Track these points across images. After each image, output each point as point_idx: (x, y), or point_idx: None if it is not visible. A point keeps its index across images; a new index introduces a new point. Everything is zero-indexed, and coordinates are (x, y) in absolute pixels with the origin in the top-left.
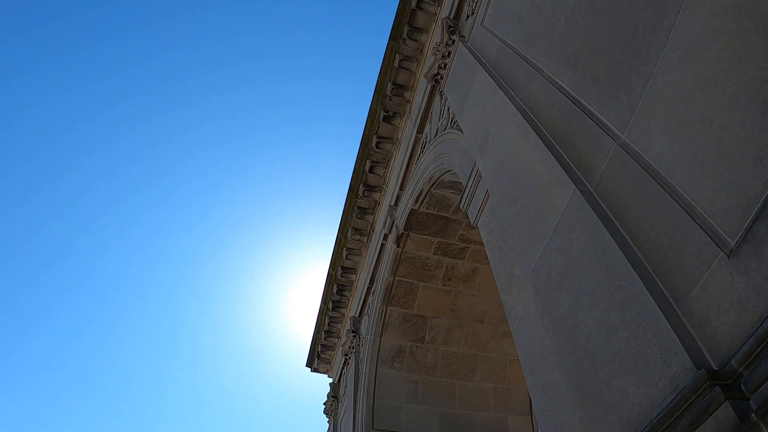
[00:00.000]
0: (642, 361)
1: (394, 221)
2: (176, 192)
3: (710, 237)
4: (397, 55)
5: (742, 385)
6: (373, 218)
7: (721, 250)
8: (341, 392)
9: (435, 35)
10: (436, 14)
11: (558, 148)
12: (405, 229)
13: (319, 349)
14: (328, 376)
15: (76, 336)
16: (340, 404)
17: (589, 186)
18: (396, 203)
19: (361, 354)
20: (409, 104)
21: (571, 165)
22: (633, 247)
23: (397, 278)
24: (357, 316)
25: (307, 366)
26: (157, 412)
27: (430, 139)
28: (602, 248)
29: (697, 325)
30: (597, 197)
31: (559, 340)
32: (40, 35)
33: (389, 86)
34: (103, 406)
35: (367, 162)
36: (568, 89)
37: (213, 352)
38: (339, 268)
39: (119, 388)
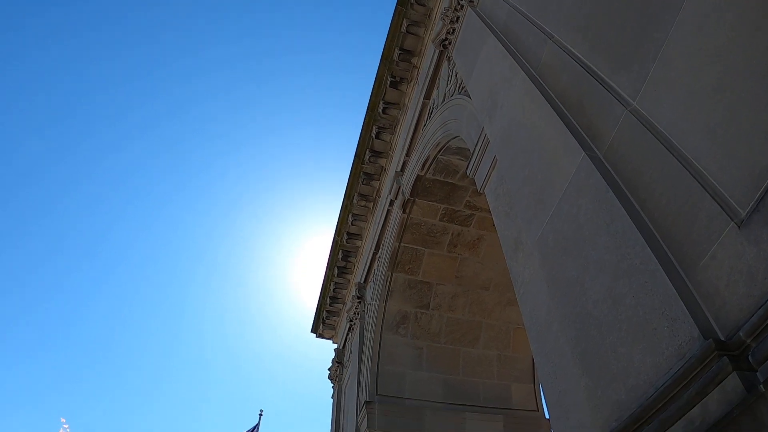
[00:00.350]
0: (649, 330)
1: (400, 187)
2: (186, 163)
3: (721, 206)
4: (404, 20)
5: (749, 357)
6: (379, 184)
7: (732, 220)
8: (346, 358)
9: (443, 0)
10: None
11: (567, 114)
12: (411, 195)
13: (324, 315)
14: (333, 342)
15: (87, 302)
16: (344, 370)
17: (598, 152)
18: (402, 169)
19: (366, 320)
20: (417, 70)
21: (581, 131)
22: (642, 215)
23: (402, 244)
24: (362, 282)
25: (312, 332)
26: (164, 379)
27: (437, 104)
28: (611, 215)
29: (705, 294)
30: (606, 164)
31: (565, 307)
32: (46, 12)
33: (396, 52)
34: (111, 371)
35: (374, 128)
36: (578, 55)
37: (219, 318)
38: (344, 234)
39: (127, 354)
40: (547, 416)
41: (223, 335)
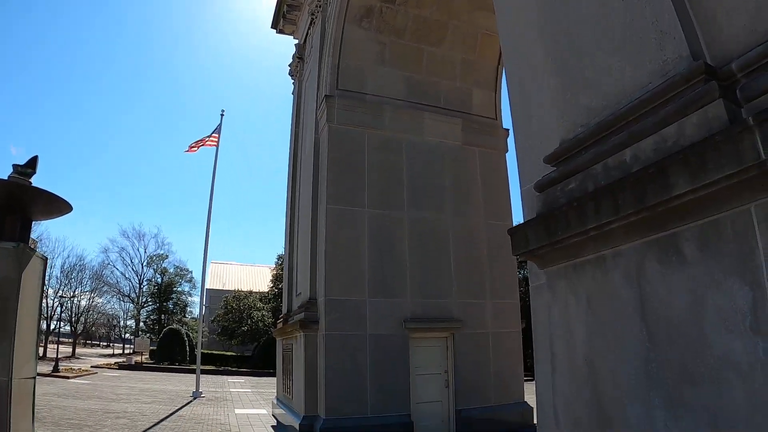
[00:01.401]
0: (635, 39)
1: None
2: None
3: None
4: None
5: (737, 91)
6: None
7: None
8: (307, 53)
9: None
10: None
11: None
12: None
13: (285, 9)
14: (294, 38)
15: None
16: (305, 65)
17: None
18: None
19: (328, 12)
20: None
21: None
22: None
23: None
24: None
25: (272, 27)
26: (132, 89)
27: None
28: None
29: (702, 17)
30: None
31: (548, 3)
32: None
33: None
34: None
35: None
36: None
37: (181, 17)
38: None
39: (93, 62)
40: (504, 126)
41: (187, 36)
